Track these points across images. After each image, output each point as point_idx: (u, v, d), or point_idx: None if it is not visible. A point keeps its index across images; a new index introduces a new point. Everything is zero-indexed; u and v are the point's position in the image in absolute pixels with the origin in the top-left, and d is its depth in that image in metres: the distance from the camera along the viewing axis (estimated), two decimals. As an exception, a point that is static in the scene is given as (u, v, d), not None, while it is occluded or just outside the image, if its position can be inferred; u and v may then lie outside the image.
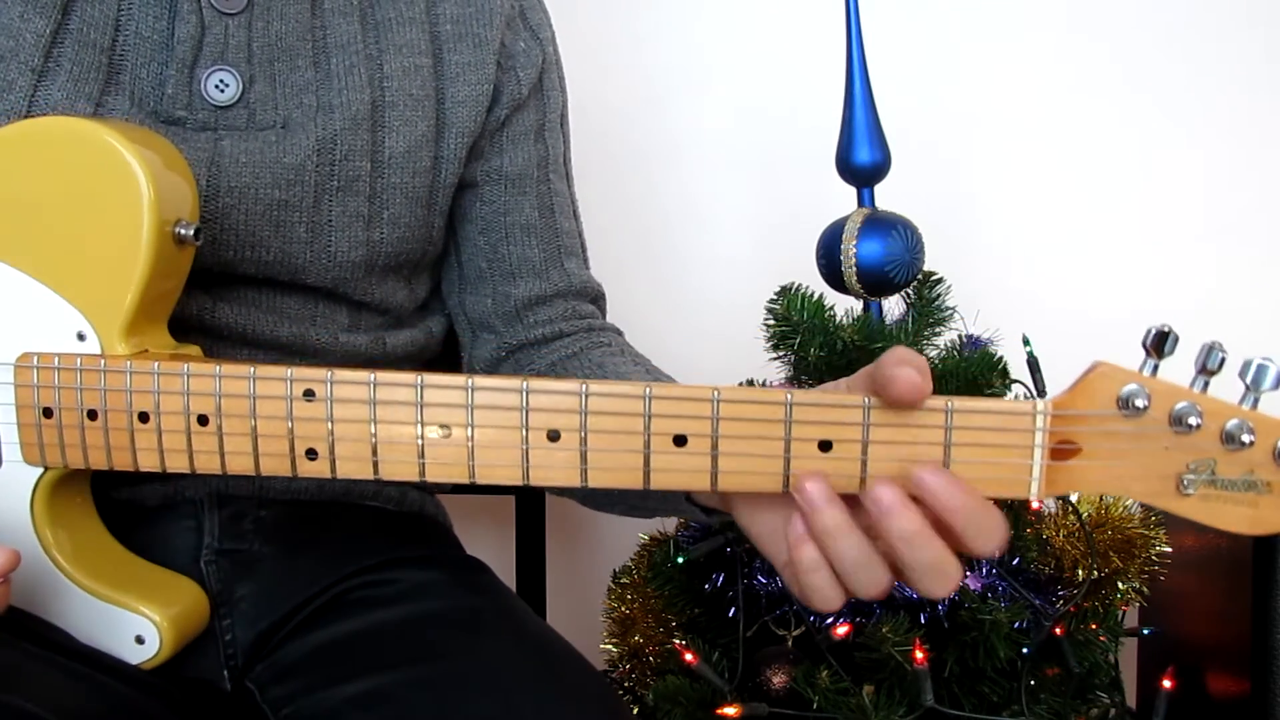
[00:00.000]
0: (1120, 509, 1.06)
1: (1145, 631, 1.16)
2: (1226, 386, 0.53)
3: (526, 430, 0.55)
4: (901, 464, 0.53)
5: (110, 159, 0.61)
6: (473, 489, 1.14)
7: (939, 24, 1.43)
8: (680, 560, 1.07)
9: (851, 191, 1.07)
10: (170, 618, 0.65)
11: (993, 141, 1.44)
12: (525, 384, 0.55)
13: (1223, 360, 0.52)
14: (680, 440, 0.54)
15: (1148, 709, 1.07)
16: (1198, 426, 0.52)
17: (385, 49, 0.77)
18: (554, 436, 0.55)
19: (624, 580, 1.15)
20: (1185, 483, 0.53)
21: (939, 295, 1.09)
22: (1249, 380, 0.52)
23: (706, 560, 1.07)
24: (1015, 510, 1.04)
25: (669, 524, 1.17)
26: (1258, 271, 1.42)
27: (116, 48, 0.70)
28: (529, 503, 1.21)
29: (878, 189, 1.06)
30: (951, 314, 1.09)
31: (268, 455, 0.58)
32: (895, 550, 0.51)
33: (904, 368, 0.50)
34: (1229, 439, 0.52)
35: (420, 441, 0.56)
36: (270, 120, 0.73)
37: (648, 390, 0.54)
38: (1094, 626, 1.04)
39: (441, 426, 0.56)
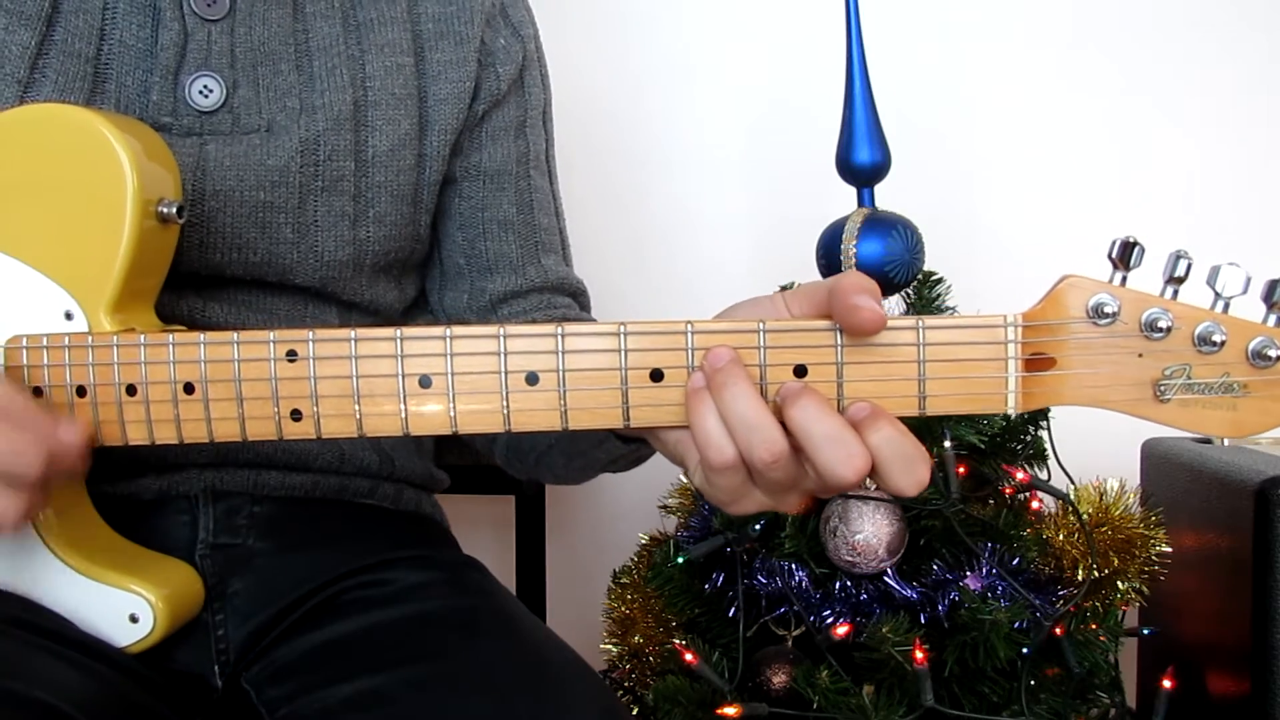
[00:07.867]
0: (1120, 509, 1.06)
1: (1145, 631, 1.15)
2: (1196, 298, 0.54)
3: (505, 375, 0.56)
4: (877, 384, 0.54)
5: (92, 138, 0.61)
6: (473, 488, 1.15)
7: (939, 24, 1.43)
8: (680, 560, 1.07)
9: (851, 191, 1.07)
10: (164, 597, 0.66)
11: (993, 141, 1.44)
12: (502, 330, 0.56)
13: (1189, 267, 0.53)
14: (657, 375, 0.56)
15: (1148, 709, 1.06)
16: (1169, 330, 0.53)
17: (367, 49, 0.78)
18: (533, 380, 0.56)
19: (624, 580, 1.15)
20: (1162, 389, 0.54)
21: (939, 295, 1.10)
22: (1218, 286, 0.54)
23: (706, 560, 1.07)
24: (1015, 510, 1.04)
25: (669, 524, 1.17)
26: (1258, 273, 1.41)
27: (101, 57, 0.71)
28: (529, 503, 1.21)
29: (878, 189, 1.06)
30: (951, 314, 1.09)
31: (253, 419, 0.59)
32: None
33: (863, 297, 0.52)
34: (1201, 341, 0.53)
35: (402, 392, 0.57)
36: (254, 124, 0.74)
37: (622, 328, 0.55)
38: (1094, 626, 1.03)
39: (422, 377, 0.57)
